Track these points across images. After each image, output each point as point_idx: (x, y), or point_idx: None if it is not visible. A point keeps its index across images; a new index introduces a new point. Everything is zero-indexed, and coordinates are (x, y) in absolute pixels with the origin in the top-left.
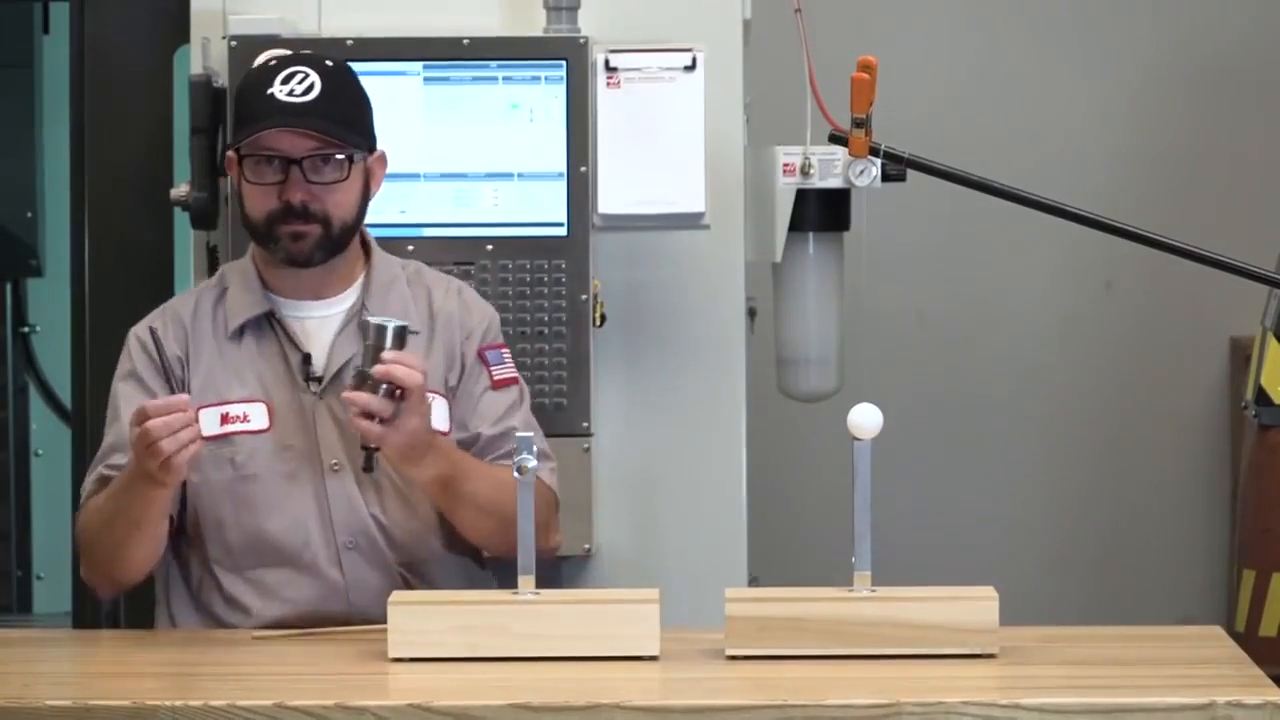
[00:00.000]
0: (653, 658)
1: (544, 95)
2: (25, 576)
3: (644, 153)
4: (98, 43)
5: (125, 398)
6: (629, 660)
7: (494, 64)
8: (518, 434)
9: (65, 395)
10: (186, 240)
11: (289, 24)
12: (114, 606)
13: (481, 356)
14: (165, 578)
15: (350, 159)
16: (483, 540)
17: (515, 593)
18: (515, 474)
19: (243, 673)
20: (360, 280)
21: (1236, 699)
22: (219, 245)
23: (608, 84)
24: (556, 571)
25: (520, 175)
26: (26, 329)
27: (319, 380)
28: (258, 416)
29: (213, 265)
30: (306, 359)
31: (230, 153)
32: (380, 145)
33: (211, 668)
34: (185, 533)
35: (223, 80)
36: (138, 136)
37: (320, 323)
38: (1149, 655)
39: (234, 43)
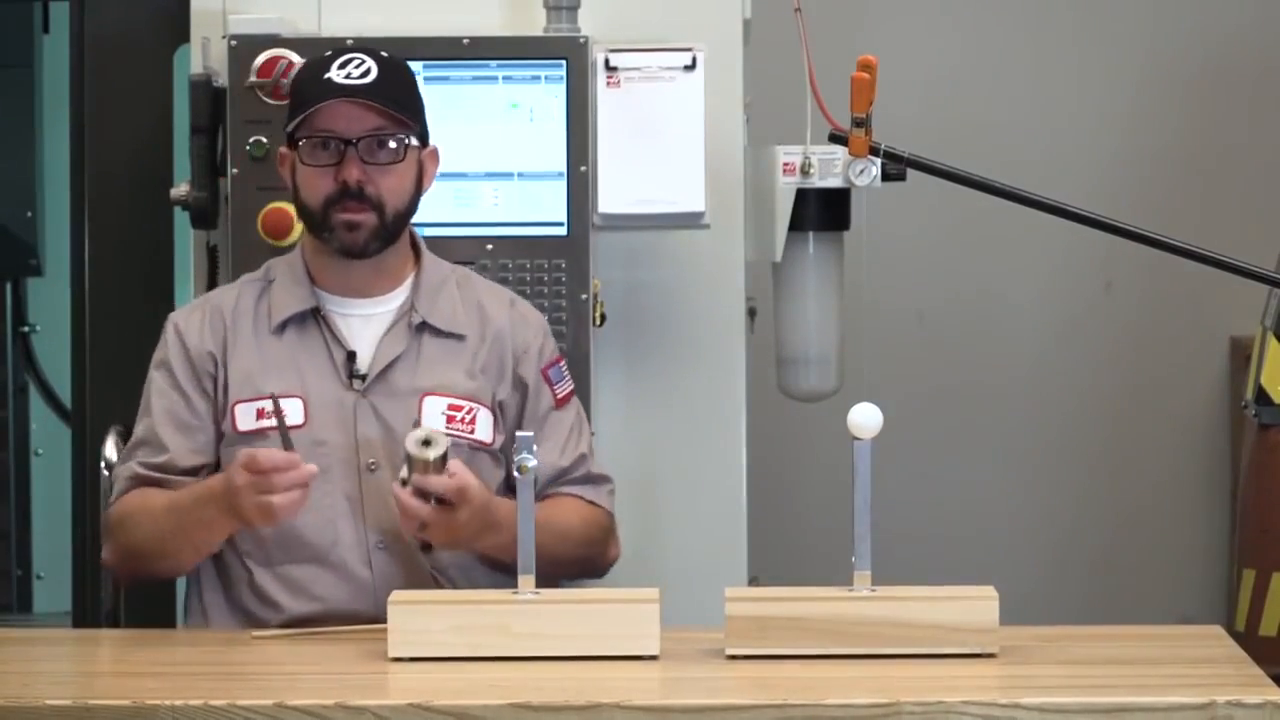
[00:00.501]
0: (653, 657)
1: (544, 95)
2: (25, 576)
3: (644, 152)
4: (98, 42)
5: (156, 388)
6: (629, 660)
7: (494, 63)
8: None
9: (65, 395)
10: (186, 240)
11: (289, 23)
12: (114, 606)
13: (545, 376)
14: (198, 569)
15: (406, 143)
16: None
17: (515, 592)
18: (515, 473)
19: (243, 672)
20: (410, 281)
21: (1236, 698)
22: (219, 245)
23: (608, 83)
24: None
25: (520, 175)
26: (26, 328)
27: (362, 379)
28: (294, 412)
29: (213, 265)
30: (351, 357)
31: (284, 148)
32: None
33: (211, 667)
34: None
35: (223, 80)
36: (138, 136)
37: (366, 321)
38: (1149, 655)
39: (234, 42)
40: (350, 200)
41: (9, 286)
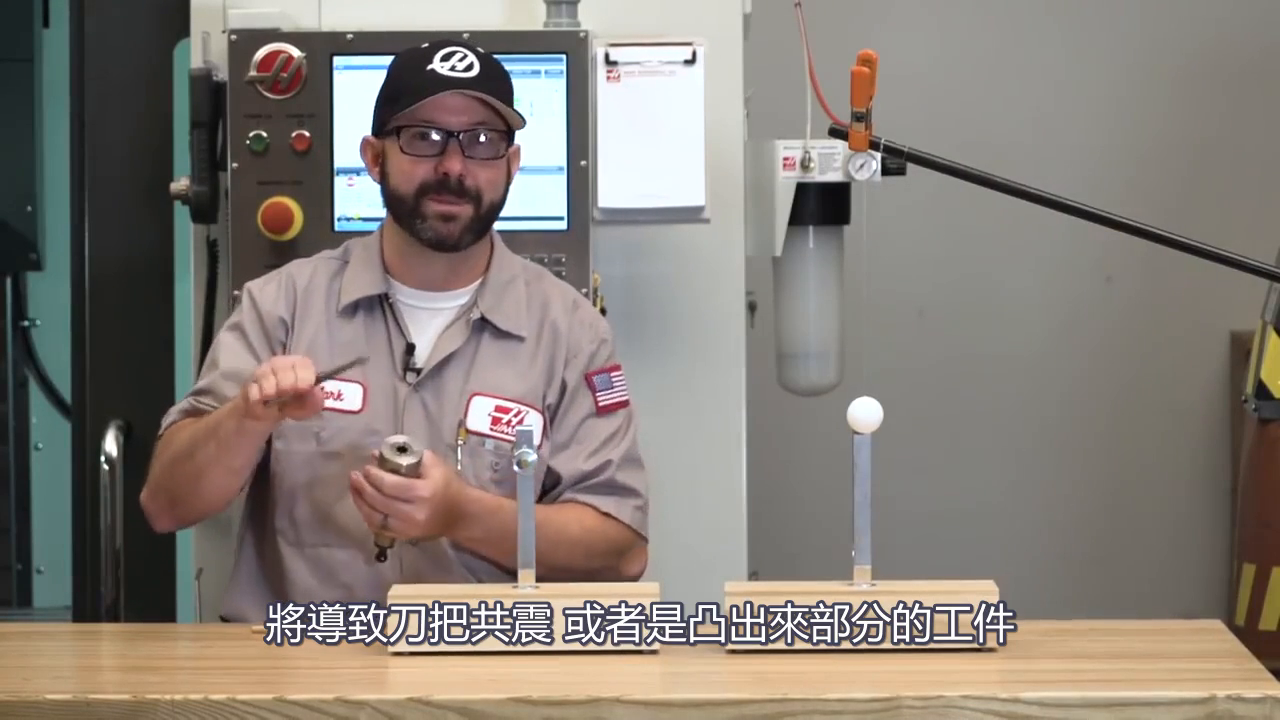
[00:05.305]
0: (652, 652)
1: (544, 89)
2: (25, 570)
3: (644, 146)
4: (98, 37)
5: (226, 347)
6: (629, 654)
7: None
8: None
9: (65, 389)
10: (186, 234)
11: (289, 18)
12: (114, 601)
13: (588, 382)
14: (239, 546)
15: (507, 139)
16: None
17: (515, 586)
18: (515, 468)
19: (243, 666)
20: (480, 279)
21: (1236, 693)
22: (219, 240)
23: (608, 78)
24: None
25: (521, 169)
26: (26, 323)
27: (417, 372)
28: (352, 397)
29: (213, 260)
30: (410, 349)
31: (369, 136)
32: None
33: (211, 661)
34: (264, 501)
35: (223, 74)
36: (138, 130)
37: (432, 314)
38: (1149, 649)
39: (234, 37)
40: (448, 192)
41: (9, 281)
